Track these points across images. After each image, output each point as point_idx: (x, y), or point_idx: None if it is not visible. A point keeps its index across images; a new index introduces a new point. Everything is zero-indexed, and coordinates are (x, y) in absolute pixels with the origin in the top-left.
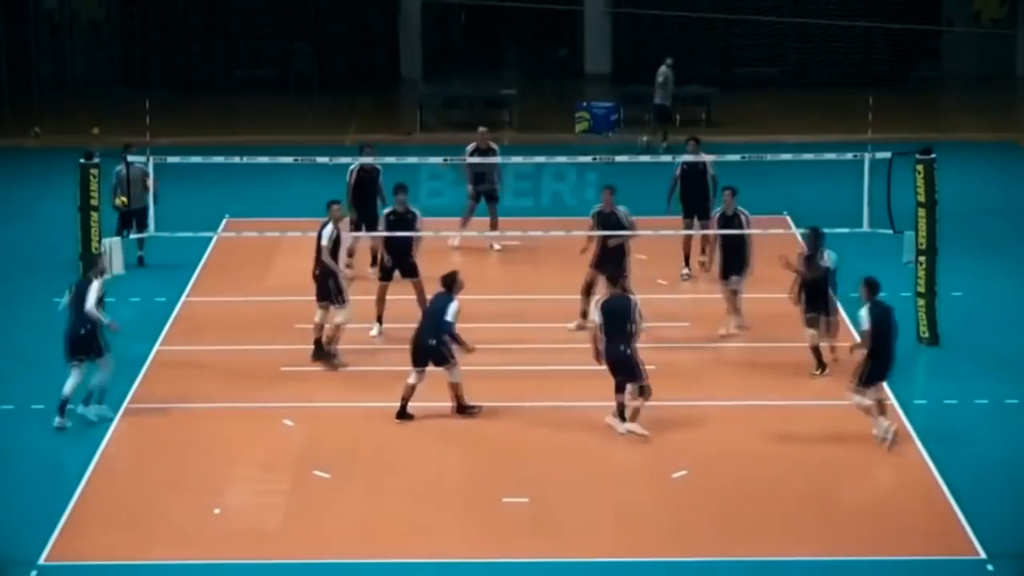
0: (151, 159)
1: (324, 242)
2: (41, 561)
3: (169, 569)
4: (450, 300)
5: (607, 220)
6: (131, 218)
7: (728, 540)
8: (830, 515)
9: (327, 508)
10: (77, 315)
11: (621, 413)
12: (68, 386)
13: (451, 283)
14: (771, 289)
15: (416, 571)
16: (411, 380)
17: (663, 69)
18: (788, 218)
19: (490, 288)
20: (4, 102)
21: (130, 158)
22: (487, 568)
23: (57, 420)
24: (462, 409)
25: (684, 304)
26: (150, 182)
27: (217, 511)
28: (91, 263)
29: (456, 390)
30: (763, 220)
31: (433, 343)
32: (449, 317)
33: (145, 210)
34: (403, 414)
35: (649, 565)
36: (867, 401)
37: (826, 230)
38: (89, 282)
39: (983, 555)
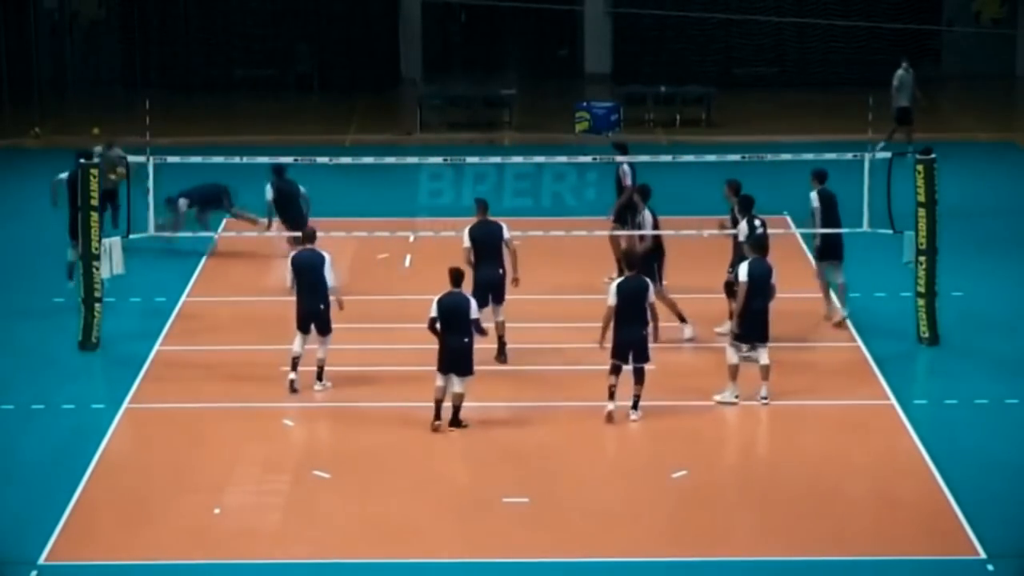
0: (151, 159)
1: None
2: (41, 561)
3: (169, 569)
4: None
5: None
6: (106, 202)
7: (728, 540)
8: (830, 515)
9: (327, 508)
10: None
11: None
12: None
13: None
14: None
15: (416, 571)
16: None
17: (899, 72)
18: (788, 218)
19: None
20: (4, 102)
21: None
22: (487, 568)
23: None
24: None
25: (683, 305)
26: (118, 172)
27: (217, 511)
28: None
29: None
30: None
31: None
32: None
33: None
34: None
35: (649, 565)
36: (734, 360)
37: (825, 230)
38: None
39: (983, 555)
